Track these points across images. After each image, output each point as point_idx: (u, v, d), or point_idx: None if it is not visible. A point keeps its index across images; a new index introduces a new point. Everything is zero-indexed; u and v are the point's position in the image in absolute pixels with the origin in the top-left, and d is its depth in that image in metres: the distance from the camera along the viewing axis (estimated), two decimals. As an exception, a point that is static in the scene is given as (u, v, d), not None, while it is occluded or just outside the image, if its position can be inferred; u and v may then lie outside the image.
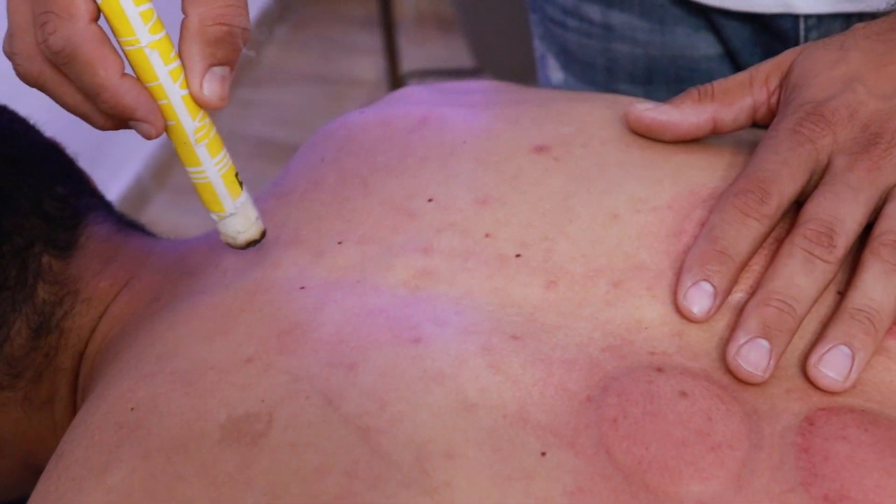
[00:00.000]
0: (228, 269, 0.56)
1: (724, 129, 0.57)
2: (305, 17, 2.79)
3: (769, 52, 0.73)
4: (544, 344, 0.49)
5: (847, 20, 0.73)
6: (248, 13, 0.48)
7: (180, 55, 0.48)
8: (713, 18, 0.79)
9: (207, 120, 0.50)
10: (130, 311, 0.60)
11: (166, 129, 0.49)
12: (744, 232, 0.49)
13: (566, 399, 0.46)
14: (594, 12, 0.83)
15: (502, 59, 1.71)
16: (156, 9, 0.47)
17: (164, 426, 0.47)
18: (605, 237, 0.53)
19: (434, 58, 2.51)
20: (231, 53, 0.48)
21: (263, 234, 0.54)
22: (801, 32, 0.74)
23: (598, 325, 0.50)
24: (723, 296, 0.49)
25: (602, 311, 0.50)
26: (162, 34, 0.47)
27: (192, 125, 0.49)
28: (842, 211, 0.48)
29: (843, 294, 0.48)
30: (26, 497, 0.50)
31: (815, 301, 0.48)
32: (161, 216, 2.17)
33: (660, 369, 0.47)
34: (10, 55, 0.47)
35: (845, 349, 0.46)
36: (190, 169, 0.51)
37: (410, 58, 2.37)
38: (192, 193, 0.52)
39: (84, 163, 0.69)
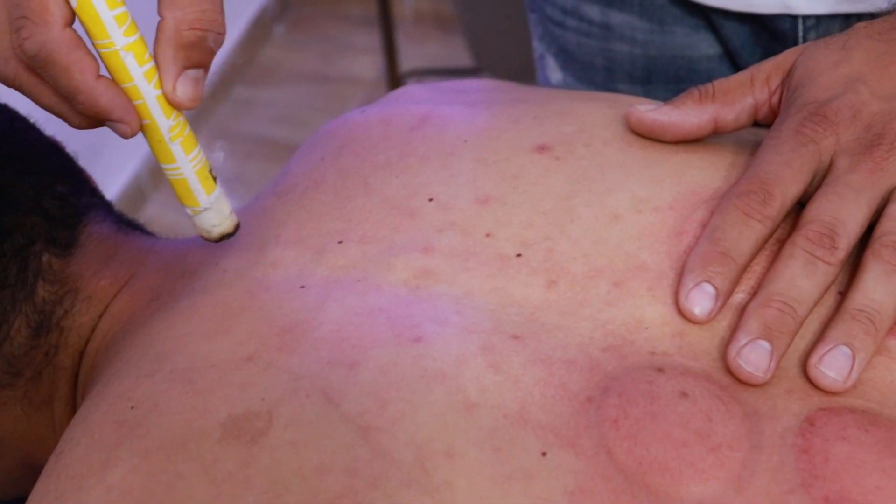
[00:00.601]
0: (228, 268, 0.56)
1: (726, 128, 0.57)
2: (304, 16, 2.78)
3: (768, 52, 0.73)
4: (545, 344, 0.49)
5: (846, 20, 0.73)
6: (223, 17, 0.48)
7: (155, 57, 0.48)
8: (712, 18, 0.79)
9: (182, 118, 0.51)
10: (130, 309, 0.60)
11: (142, 127, 0.50)
12: (746, 233, 0.49)
13: (567, 399, 0.46)
14: (593, 12, 0.83)
15: (501, 58, 1.71)
16: (130, 11, 0.48)
17: (164, 425, 0.47)
18: (607, 237, 0.53)
19: (433, 57, 2.51)
20: (205, 57, 0.49)
21: (237, 228, 0.55)
22: (800, 33, 0.75)
23: (598, 325, 0.50)
24: (724, 297, 0.49)
25: (603, 311, 0.50)
26: (136, 37, 0.48)
27: (166, 124, 0.50)
28: (844, 212, 0.48)
29: (844, 294, 0.48)
30: (26, 496, 0.50)
31: (817, 302, 0.48)
32: (158, 215, 2.17)
33: (660, 370, 0.47)
34: None
35: (846, 349, 0.46)
36: (165, 166, 0.52)
37: (409, 57, 2.37)
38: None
39: (82, 162, 0.69)
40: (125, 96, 0.48)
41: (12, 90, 0.49)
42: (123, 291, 0.61)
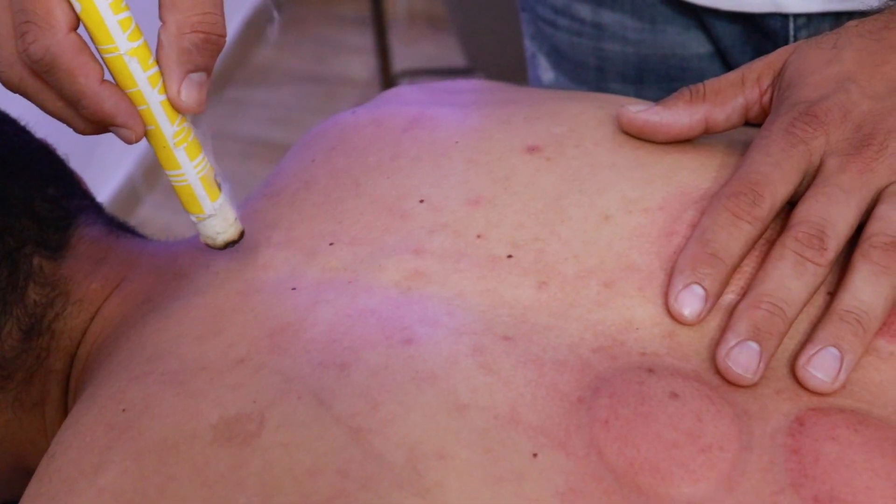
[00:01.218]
0: (220, 270, 0.56)
1: (717, 128, 0.57)
2: (297, 16, 2.78)
3: (759, 52, 0.73)
4: (536, 345, 0.49)
5: (837, 19, 0.73)
6: (224, 20, 0.48)
7: (158, 62, 0.48)
8: (703, 18, 0.79)
9: (186, 124, 0.50)
10: (122, 312, 0.59)
11: (146, 133, 0.50)
12: (735, 235, 0.49)
13: (558, 400, 0.46)
14: (585, 11, 0.83)
15: (494, 58, 1.71)
16: (133, 16, 0.48)
17: (155, 427, 0.47)
18: (597, 238, 0.53)
19: (426, 57, 2.50)
20: (208, 60, 0.49)
21: (242, 235, 0.54)
22: (791, 32, 0.75)
23: (589, 326, 0.50)
24: (714, 299, 0.49)
25: (593, 311, 0.50)
26: (140, 41, 0.48)
27: (170, 129, 0.50)
28: (833, 213, 0.48)
29: (833, 295, 0.49)
30: (17, 498, 0.50)
31: (806, 303, 0.48)
32: (152, 216, 2.16)
33: (651, 370, 0.47)
34: None
35: (834, 350, 0.46)
36: (169, 172, 0.51)
37: (402, 57, 2.37)
38: (180, 195, 0.52)
39: (75, 164, 0.69)
40: (130, 101, 0.48)
41: (2, 93, 0.49)
42: (115, 294, 0.61)
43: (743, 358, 0.46)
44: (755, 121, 0.56)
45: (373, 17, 2.13)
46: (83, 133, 0.50)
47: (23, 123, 0.66)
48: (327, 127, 0.65)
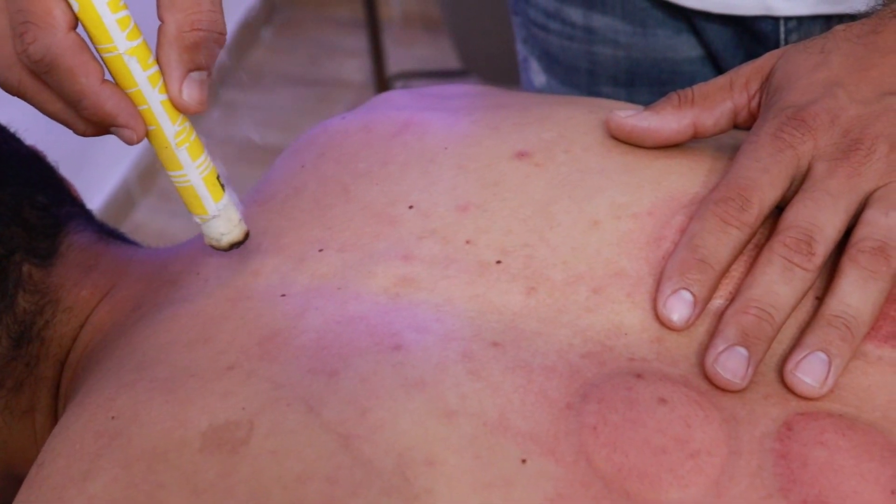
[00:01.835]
0: (209, 277, 0.56)
1: (705, 133, 0.57)
2: (292, 19, 2.78)
3: (750, 55, 0.73)
4: (524, 350, 0.49)
5: (827, 22, 0.73)
6: (223, 17, 0.48)
7: (158, 61, 0.48)
8: (694, 21, 0.79)
9: (187, 124, 0.50)
10: (111, 319, 0.59)
11: (147, 134, 0.49)
12: (724, 240, 0.49)
13: (546, 406, 0.46)
14: (576, 15, 0.83)
15: (488, 60, 1.71)
16: (132, 15, 0.47)
17: (144, 435, 0.47)
18: (586, 244, 0.53)
19: (420, 59, 2.50)
20: (208, 58, 0.48)
21: (247, 236, 0.54)
22: (782, 35, 0.75)
23: (578, 332, 0.50)
24: (702, 304, 0.49)
25: (582, 317, 0.50)
26: (139, 41, 0.47)
27: (172, 129, 0.49)
28: (821, 218, 0.48)
29: (821, 300, 0.49)
30: (7, 505, 0.50)
31: (794, 308, 0.48)
32: (148, 220, 2.16)
33: (639, 376, 0.47)
34: None
35: (822, 355, 0.46)
36: (172, 173, 0.51)
37: (397, 59, 2.37)
38: (178, 197, 0.52)
39: (70, 168, 0.69)
40: (131, 101, 0.48)
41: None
42: (104, 301, 0.61)
43: (731, 363, 0.46)
44: (743, 125, 0.56)
45: (367, 19, 2.13)
46: (83, 134, 0.50)
47: (12, 130, 0.66)
48: (317, 133, 0.65)
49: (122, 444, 0.47)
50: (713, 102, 0.56)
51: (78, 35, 0.46)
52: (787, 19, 0.74)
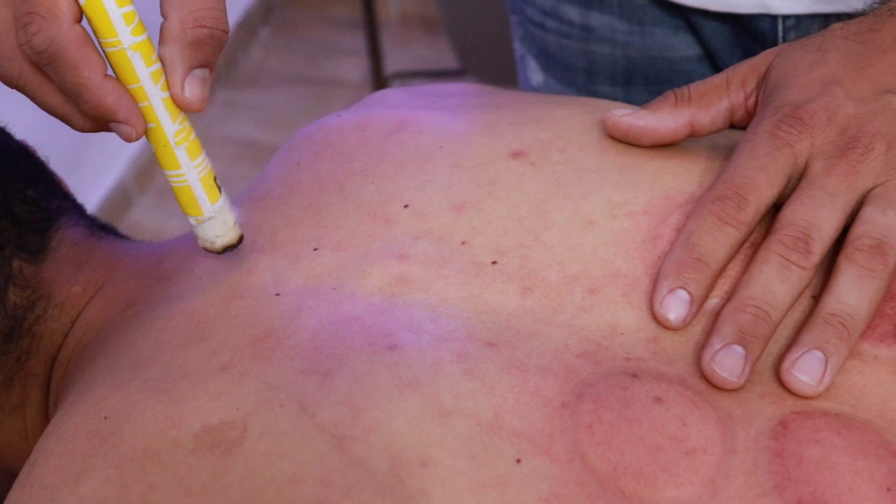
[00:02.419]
0: (203, 275, 0.56)
1: (702, 132, 0.56)
2: (289, 18, 2.78)
3: (748, 53, 0.73)
4: (520, 351, 0.49)
5: (825, 20, 0.73)
6: (226, 15, 0.48)
7: (161, 58, 0.48)
8: (692, 19, 0.79)
9: (187, 123, 0.50)
10: (104, 316, 0.59)
11: (146, 131, 0.49)
12: (721, 239, 0.49)
13: (541, 406, 0.46)
14: (573, 14, 0.83)
15: (486, 60, 1.71)
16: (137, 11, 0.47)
17: (137, 435, 0.47)
18: (581, 244, 0.53)
19: (418, 59, 2.51)
20: (211, 55, 0.48)
21: (241, 239, 0.54)
22: (780, 33, 0.75)
23: (573, 332, 0.49)
24: (699, 303, 0.49)
25: (578, 317, 0.50)
26: (144, 36, 0.47)
27: (172, 128, 0.49)
28: (818, 217, 0.48)
29: (817, 298, 0.48)
30: (0, 501, 0.49)
31: (791, 307, 0.48)
32: (144, 219, 2.16)
33: (635, 375, 0.47)
34: None
35: (818, 354, 0.46)
36: (169, 172, 0.51)
37: (394, 59, 2.37)
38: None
39: (67, 166, 0.68)
40: (132, 97, 0.47)
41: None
42: (97, 297, 0.61)
43: (728, 362, 0.46)
44: (740, 124, 0.56)
45: (365, 19, 2.13)
46: (82, 130, 0.49)
47: (1, 125, 0.66)
48: (312, 131, 0.65)
49: (114, 444, 0.47)
50: (710, 101, 0.56)
51: (82, 28, 0.46)
52: (786, 17, 0.74)
